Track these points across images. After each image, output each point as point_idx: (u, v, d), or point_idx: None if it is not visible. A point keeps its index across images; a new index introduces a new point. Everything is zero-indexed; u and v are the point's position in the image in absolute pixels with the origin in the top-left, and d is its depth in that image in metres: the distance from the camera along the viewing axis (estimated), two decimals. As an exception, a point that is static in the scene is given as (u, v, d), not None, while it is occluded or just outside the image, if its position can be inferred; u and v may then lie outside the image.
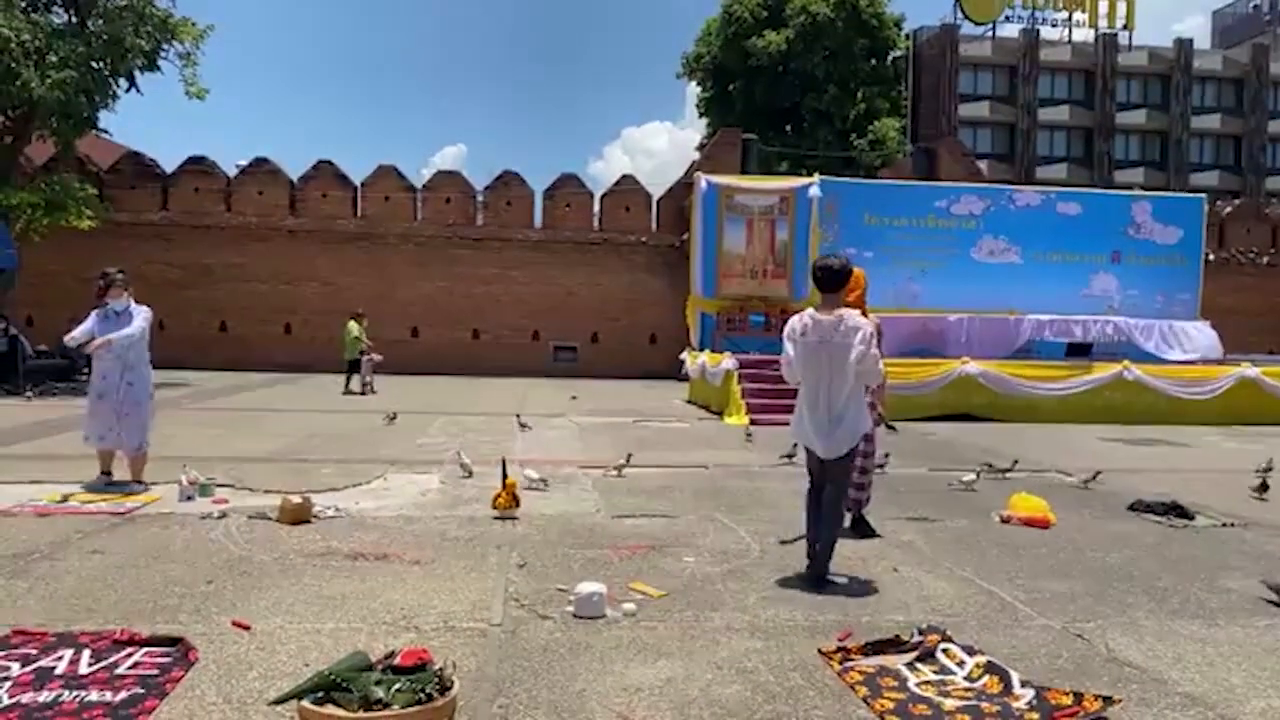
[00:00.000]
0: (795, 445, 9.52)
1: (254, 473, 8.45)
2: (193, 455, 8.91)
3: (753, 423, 14.09)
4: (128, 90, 19.07)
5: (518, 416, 13.33)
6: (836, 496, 5.32)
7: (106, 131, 20.16)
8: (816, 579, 5.17)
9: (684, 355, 18.89)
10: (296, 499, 6.54)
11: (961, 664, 3.93)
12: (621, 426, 13.53)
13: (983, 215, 18.87)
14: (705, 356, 17.04)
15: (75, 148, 20.13)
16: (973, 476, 8.69)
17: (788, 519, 6.98)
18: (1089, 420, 15.17)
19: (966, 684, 3.75)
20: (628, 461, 9.03)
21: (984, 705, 3.52)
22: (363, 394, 17.93)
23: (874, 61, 41.60)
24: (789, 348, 5.33)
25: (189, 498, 7.16)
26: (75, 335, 7.69)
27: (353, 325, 18.97)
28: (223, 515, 6.60)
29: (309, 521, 6.44)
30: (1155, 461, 11.25)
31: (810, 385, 5.26)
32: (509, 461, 7.95)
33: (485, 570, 5.36)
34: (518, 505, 6.88)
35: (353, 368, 18.63)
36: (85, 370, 19.20)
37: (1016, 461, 9.70)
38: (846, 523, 6.48)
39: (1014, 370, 15.91)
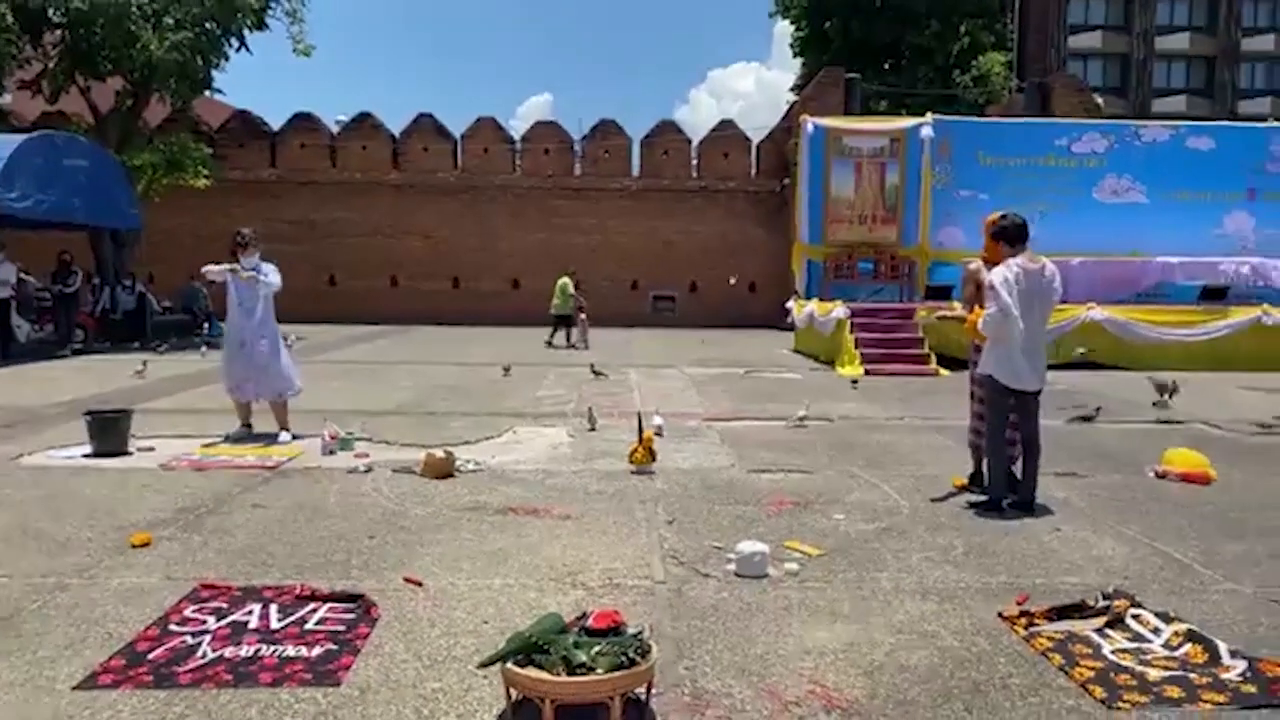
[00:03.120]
0: (1098, 409, 9.78)
1: (387, 426, 8.62)
2: (323, 408, 9.11)
3: (867, 372, 13.85)
4: (238, 50, 19.47)
5: (592, 366, 13.31)
6: (1038, 426, 5.96)
7: (220, 91, 20.64)
8: (1029, 504, 5.77)
9: (790, 304, 18.59)
10: (440, 453, 6.63)
11: (1157, 631, 3.75)
12: (733, 378, 13.42)
13: (1106, 153, 17.88)
14: (814, 305, 16.74)
15: (191, 108, 20.66)
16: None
17: (930, 475, 6.83)
18: (1220, 368, 14.41)
19: (1167, 653, 3.58)
20: (809, 411, 9.20)
21: (1193, 676, 3.35)
22: (574, 348, 18.17)
23: (978, -8, 39.81)
24: (1006, 295, 5.58)
25: (331, 451, 7.33)
26: (211, 270, 7.93)
27: (566, 281, 19.14)
28: (368, 469, 6.73)
29: (452, 475, 6.52)
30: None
31: (1027, 328, 5.65)
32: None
33: (635, 526, 5.35)
34: (654, 460, 6.85)
35: (559, 322, 18.87)
36: (205, 325, 19.99)
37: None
38: (970, 469, 6.45)
39: (1142, 315, 15.23)
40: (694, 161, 26.93)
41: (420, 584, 4.28)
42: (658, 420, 8.20)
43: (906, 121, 18.34)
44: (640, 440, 6.89)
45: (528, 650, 2.97)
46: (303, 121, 26.50)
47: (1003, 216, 5.95)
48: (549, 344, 18.38)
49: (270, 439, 7.81)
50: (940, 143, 17.50)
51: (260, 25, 19.29)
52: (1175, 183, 17.74)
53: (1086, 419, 9.36)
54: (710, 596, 4.19)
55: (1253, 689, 3.25)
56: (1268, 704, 3.15)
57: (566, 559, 4.70)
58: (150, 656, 3.45)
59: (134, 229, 18.77)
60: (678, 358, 16.22)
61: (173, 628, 3.73)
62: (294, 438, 7.81)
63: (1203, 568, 4.70)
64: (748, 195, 26.56)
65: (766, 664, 3.47)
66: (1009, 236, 5.82)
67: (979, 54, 37.02)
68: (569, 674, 2.88)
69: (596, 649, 2.96)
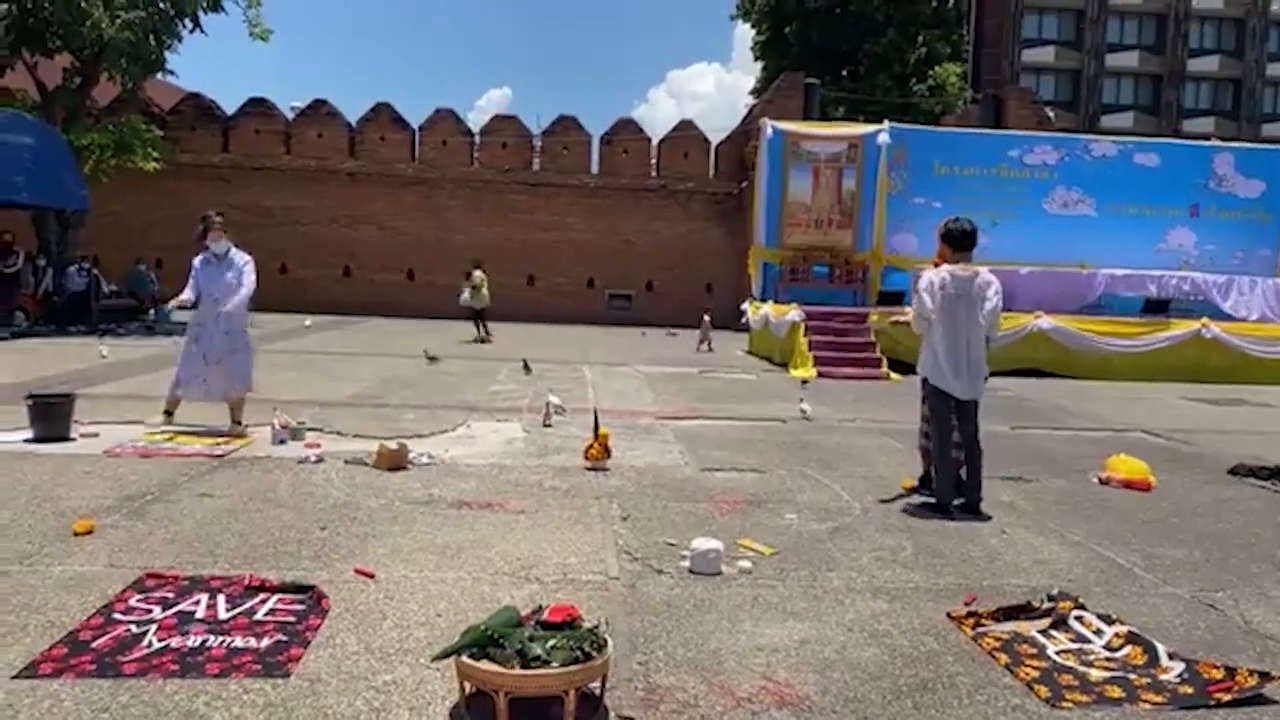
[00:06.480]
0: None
1: (339, 417, 8.52)
2: (274, 398, 8.97)
3: (820, 375, 13.97)
4: (191, 31, 19.08)
5: (524, 362, 13.19)
6: (977, 431, 5.95)
7: (173, 73, 20.18)
8: (975, 508, 5.83)
9: (745, 305, 18.69)
10: (393, 445, 6.57)
11: (1099, 633, 3.84)
12: (688, 377, 13.46)
13: (1057, 165, 18.21)
14: (769, 307, 16.85)
15: (142, 89, 20.22)
16: None
17: (879, 475, 6.93)
18: (1162, 378, 14.83)
19: (1108, 654, 3.67)
20: (807, 401, 10.02)
21: (1132, 677, 3.44)
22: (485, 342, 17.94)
23: (935, 3, 40.36)
24: (927, 299, 5.83)
25: (282, 441, 7.23)
26: (185, 297, 7.80)
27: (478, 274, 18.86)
28: (319, 460, 6.64)
29: (405, 468, 6.47)
30: (1242, 423, 10.96)
31: (951, 334, 5.80)
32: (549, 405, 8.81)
33: (589, 522, 5.35)
34: (609, 456, 6.85)
35: (478, 315, 18.61)
36: (152, 310, 19.54)
37: None
38: (920, 472, 6.47)
39: (1087, 326, 15.55)
40: (653, 161, 26.92)
41: (372, 576, 4.24)
42: (553, 399, 8.84)
43: (864, 128, 18.52)
44: (595, 436, 6.89)
45: (483, 643, 2.96)
46: (257, 106, 26.04)
47: (954, 220, 6.07)
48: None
49: (214, 431, 7.61)
50: (897, 150, 17.69)
51: (216, 7, 18.93)
52: (1122, 197, 18.13)
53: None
54: (664, 593, 4.21)
55: (1190, 690, 3.34)
56: (1204, 704, 3.24)
57: (521, 553, 4.69)
58: (93, 645, 3.38)
59: (81, 209, 18.30)
60: (632, 356, 16.24)
61: (117, 617, 3.66)
62: (245, 430, 7.63)
63: (1143, 571, 4.82)
64: (706, 196, 26.63)
65: (720, 660, 3.50)
66: (953, 240, 5.97)
67: (935, 64, 37.55)
68: (524, 667, 2.87)
69: (552, 643, 2.95)
